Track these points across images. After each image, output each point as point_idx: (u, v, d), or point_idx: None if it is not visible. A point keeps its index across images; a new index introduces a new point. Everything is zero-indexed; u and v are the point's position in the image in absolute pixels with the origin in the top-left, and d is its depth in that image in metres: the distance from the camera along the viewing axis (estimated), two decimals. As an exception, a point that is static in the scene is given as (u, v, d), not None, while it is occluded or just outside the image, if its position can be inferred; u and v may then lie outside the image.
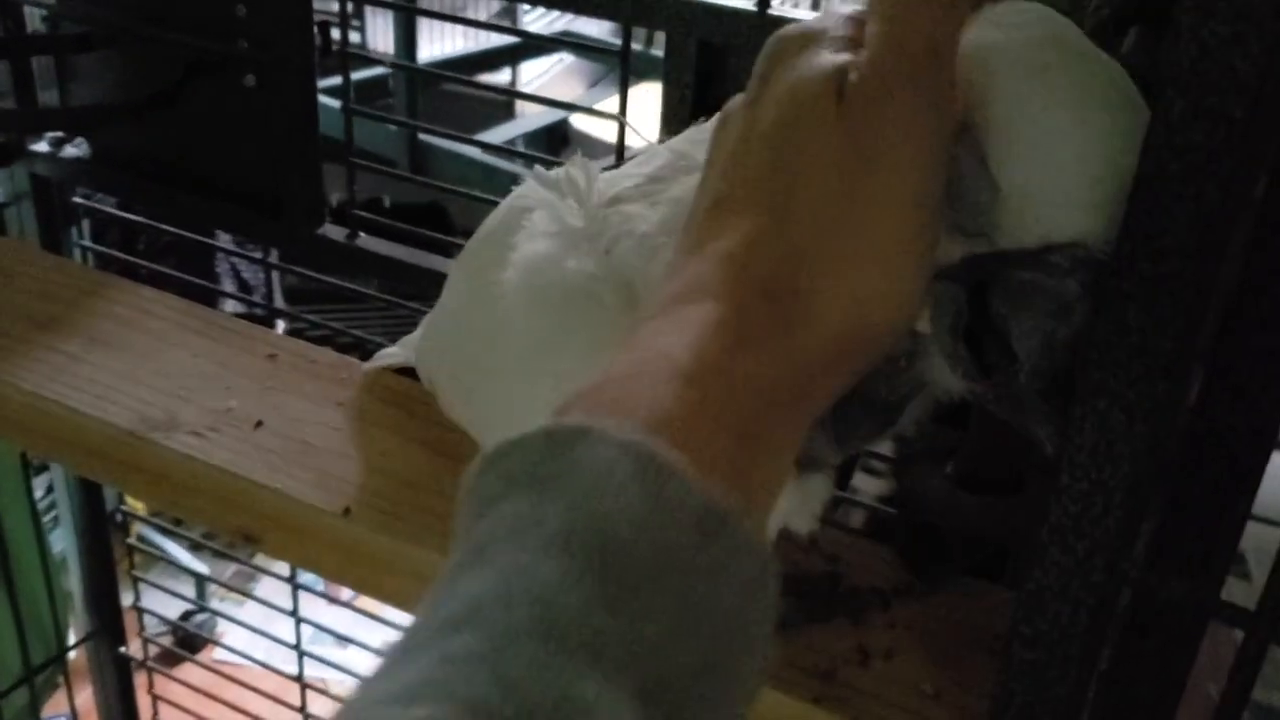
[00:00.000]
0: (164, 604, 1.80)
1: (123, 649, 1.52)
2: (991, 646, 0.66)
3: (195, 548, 2.54)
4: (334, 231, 1.10)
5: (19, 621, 1.40)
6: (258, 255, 1.50)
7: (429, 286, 0.91)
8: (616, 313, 0.51)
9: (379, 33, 2.59)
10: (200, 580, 2.48)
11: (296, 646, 1.40)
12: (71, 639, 1.54)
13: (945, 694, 0.63)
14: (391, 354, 0.82)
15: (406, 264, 1.06)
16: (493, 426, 0.64)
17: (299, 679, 1.43)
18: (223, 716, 1.57)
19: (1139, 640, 0.45)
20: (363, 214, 1.10)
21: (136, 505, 1.67)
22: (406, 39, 1.65)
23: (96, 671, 1.54)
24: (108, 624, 1.50)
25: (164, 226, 1.24)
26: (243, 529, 0.75)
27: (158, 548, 2.45)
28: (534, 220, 0.61)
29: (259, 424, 0.77)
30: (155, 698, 1.57)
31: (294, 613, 1.39)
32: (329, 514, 0.71)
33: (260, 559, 2.63)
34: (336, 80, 1.11)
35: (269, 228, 1.12)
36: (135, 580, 1.50)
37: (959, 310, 0.44)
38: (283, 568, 2.50)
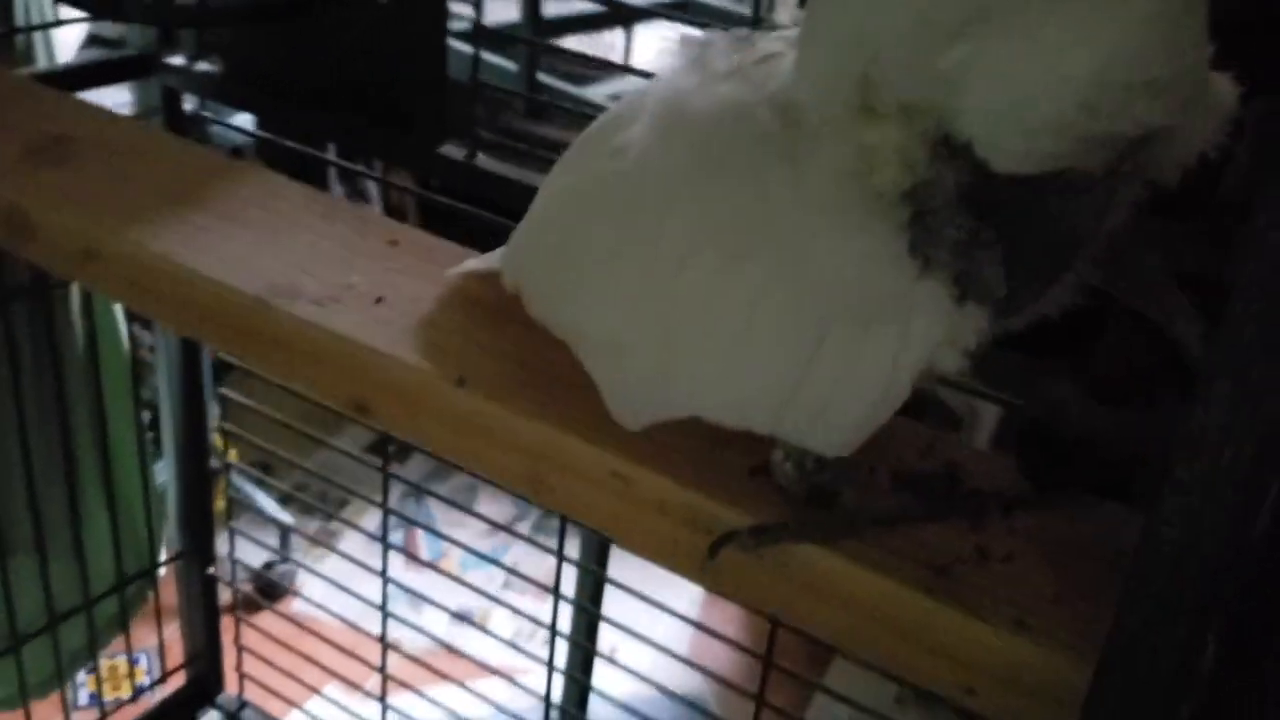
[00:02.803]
0: (249, 553, 1.83)
1: (211, 570, 1.54)
2: (1114, 561, 0.64)
3: (284, 500, 2.58)
4: (454, 151, 1.11)
5: (115, 530, 1.43)
6: (374, 173, 1.52)
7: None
8: (773, 128, 0.51)
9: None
10: (285, 532, 2.52)
11: (383, 608, 1.42)
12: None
13: (1065, 599, 0.61)
14: (478, 262, 0.81)
15: (523, 184, 1.06)
16: (600, 286, 0.64)
17: (381, 639, 1.44)
18: (300, 664, 1.60)
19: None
20: (484, 134, 1.11)
21: (231, 454, 1.69)
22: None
23: (184, 593, 1.56)
24: (199, 545, 1.53)
25: (287, 143, 1.26)
26: (356, 398, 0.75)
27: (248, 497, 2.50)
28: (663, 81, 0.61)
29: (379, 299, 0.78)
30: (240, 648, 1.59)
31: (383, 573, 1.41)
32: (443, 383, 0.71)
33: (347, 514, 2.68)
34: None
35: (394, 144, 1.14)
36: (232, 533, 1.52)
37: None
38: (370, 522, 2.53)
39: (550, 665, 1.35)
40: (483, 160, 1.10)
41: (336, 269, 0.80)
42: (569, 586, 1.33)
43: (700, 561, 0.66)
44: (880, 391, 0.57)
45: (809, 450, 0.62)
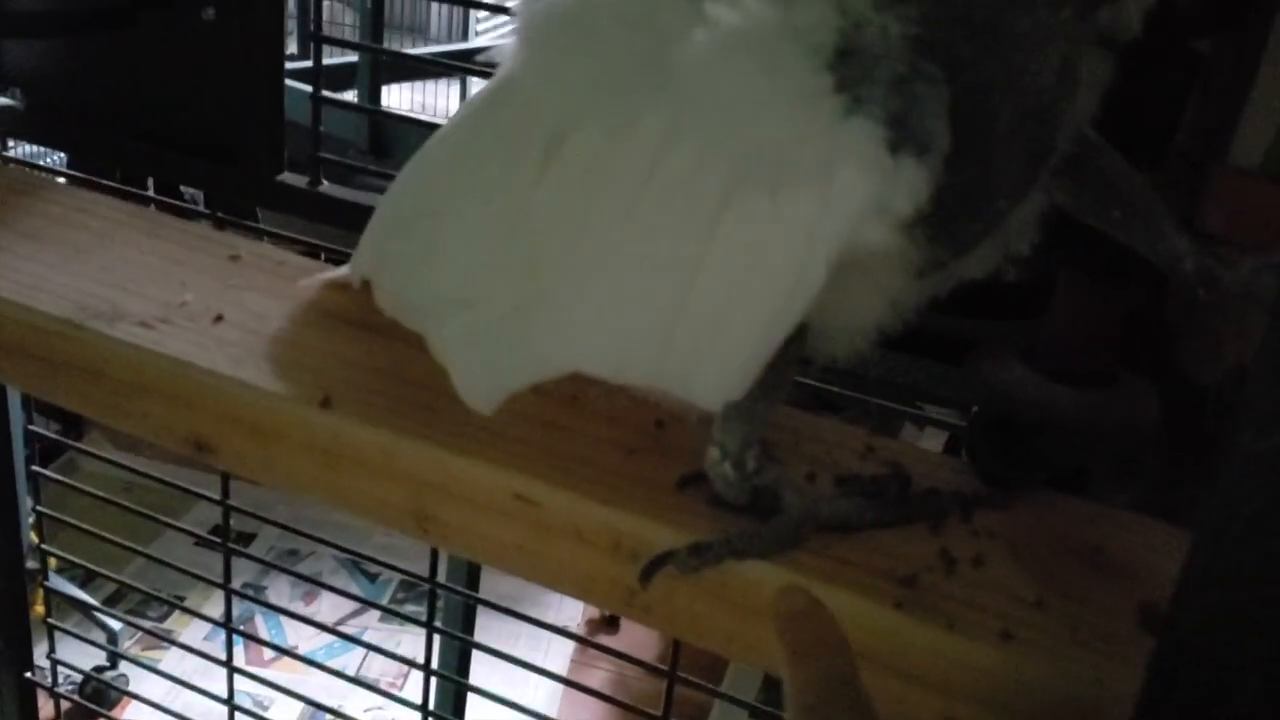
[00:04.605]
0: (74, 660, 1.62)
1: (29, 674, 1.35)
2: (1093, 559, 0.57)
3: (112, 601, 2.36)
4: (294, 179, 1.01)
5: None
6: (203, 211, 1.39)
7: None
8: None
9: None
10: (112, 641, 2.29)
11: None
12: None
13: (1049, 604, 0.53)
14: (335, 273, 0.72)
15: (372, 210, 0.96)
16: (446, 235, 0.57)
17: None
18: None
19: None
20: (328, 156, 1.00)
21: (51, 561, 1.51)
22: (374, 27, 1.61)
23: (-7, 703, 1.37)
24: (14, 645, 1.34)
25: (104, 182, 1.12)
26: (195, 435, 0.63)
27: (71, 600, 2.27)
28: None
29: (219, 318, 0.66)
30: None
31: (229, 700, 1.25)
32: (305, 406, 0.60)
33: (173, 621, 2.46)
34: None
35: (224, 176, 1.02)
36: (51, 629, 1.34)
37: None
38: (197, 632, 2.32)
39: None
40: (328, 187, 1.00)
41: (166, 286, 0.68)
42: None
43: (626, 593, 0.55)
44: (791, 279, 0.46)
45: (738, 439, 0.53)
